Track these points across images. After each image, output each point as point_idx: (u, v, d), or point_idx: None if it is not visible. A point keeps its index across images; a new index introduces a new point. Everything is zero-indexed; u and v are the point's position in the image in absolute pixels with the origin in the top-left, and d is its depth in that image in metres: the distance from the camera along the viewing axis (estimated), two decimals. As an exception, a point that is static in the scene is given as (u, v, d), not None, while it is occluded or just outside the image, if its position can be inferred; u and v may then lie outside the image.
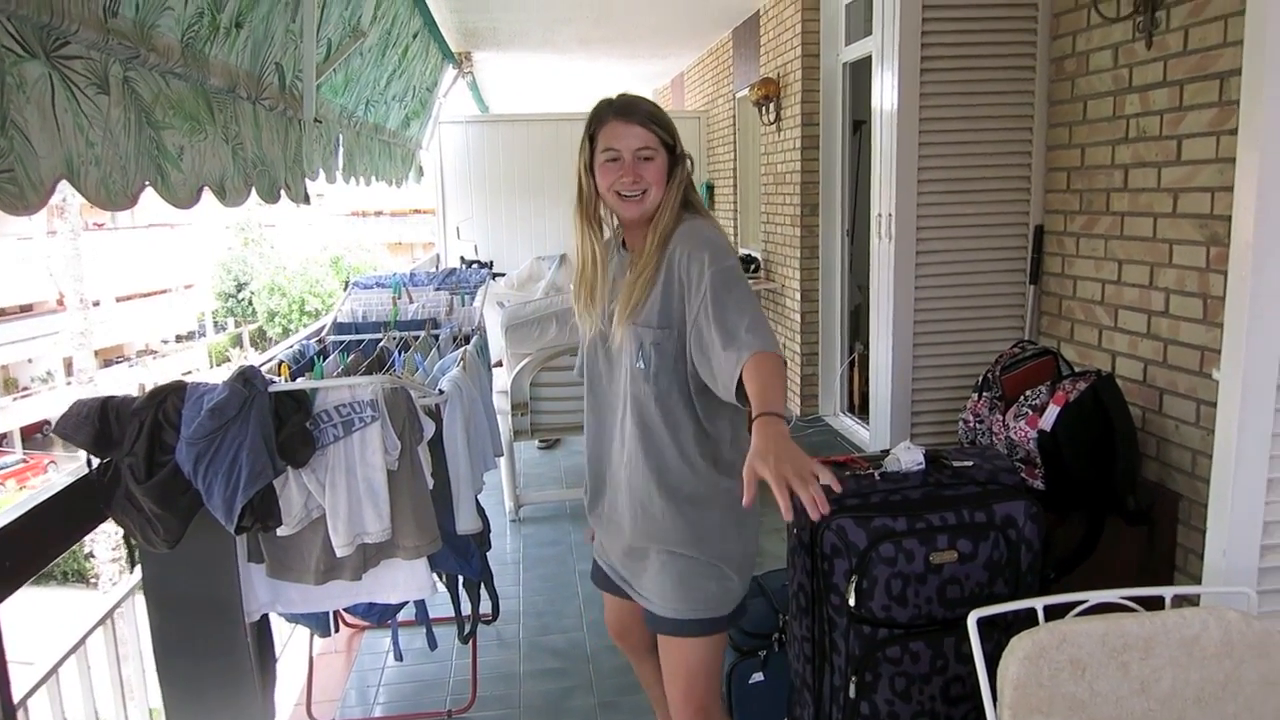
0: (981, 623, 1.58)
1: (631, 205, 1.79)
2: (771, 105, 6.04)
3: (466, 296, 3.85)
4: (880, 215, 4.13)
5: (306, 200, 2.99)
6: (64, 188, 1.56)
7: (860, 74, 5.13)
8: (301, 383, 2.17)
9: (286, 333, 22.46)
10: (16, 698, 1.67)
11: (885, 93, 4.02)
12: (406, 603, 2.40)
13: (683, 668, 1.87)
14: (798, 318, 5.91)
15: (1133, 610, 1.59)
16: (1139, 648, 1.53)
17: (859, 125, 5.40)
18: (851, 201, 5.52)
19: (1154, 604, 1.60)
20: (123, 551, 13.99)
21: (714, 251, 1.73)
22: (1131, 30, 3.08)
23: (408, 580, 2.23)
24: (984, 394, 3.20)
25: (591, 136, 1.81)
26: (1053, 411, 2.83)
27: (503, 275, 7.11)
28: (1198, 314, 2.87)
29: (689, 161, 1.85)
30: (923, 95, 3.88)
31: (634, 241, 1.87)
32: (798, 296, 5.89)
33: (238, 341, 27.30)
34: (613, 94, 1.85)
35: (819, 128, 5.59)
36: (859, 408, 5.54)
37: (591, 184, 1.82)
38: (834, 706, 2.19)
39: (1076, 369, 3.16)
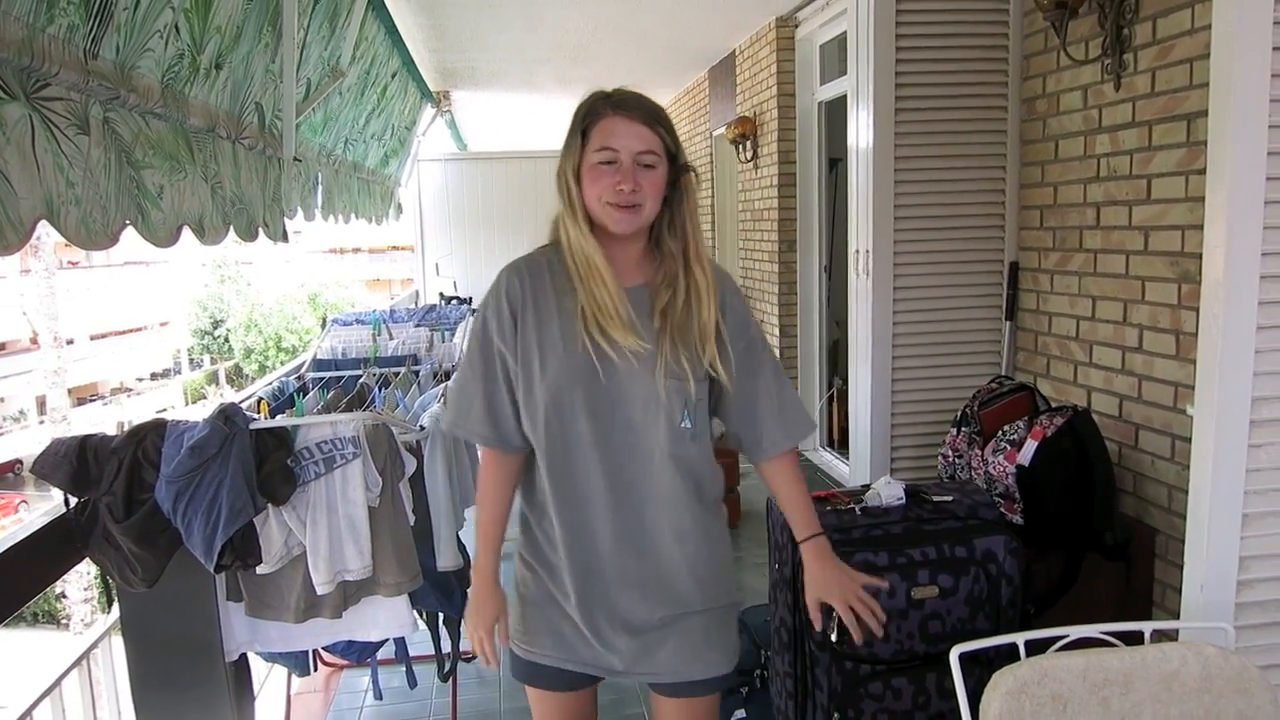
0: (963, 658, 1.59)
1: (624, 216, 1.49)
2: (748, 143, 6.12)
3: (446, 333, 3.86)
4: (857, 251, 4.17)
5: (285, 238, 2.99)
6: (41, 226, 1.56)
7: (836, 112, 5.22)
8: (283, 420, 2.17)
9: (263, 370, 22.31)
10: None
11: (861, 131, 4.09)
12: (386, 640, 2.38)
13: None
14: (776, 353, 5.94)
15: (1113, 645, 1.60)
16: (1119, 683, 1.53)
17: (835, 163, 5.48)
18: (829, 238, 5.59)
19: (1133, 639, 1.61)
20: (95, 592, 13.74)
21: (748, 314, 1.62)
22: (1100, 72, 3.16)
23: (389, 617, 2.21)
24: (962, 429, 3.23)
25: (583, 133, 1.51)
26: (1030, 446, 2.86)
27: (482, 312, 7.11)
28: (1171, 350, 2.92)
29: (694, 176, 1.58)
30: (897, 134, 3.95)
31: (618, 265, 1.54)
32: (776, 332, 5.93)
33: (214, 379, 27.07)
34: (608, 86, 1.55)
35: (795, 165, 5.66)
36: (839, 442, 5.56)
37: (578, 191, 1.52)
38: (818, 743, 2.18)
39: (1053, 404, 3.20)
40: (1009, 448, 2.95)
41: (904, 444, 4.21)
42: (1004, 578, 2.15)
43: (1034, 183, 3.70)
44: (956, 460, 3.23)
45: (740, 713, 2.52)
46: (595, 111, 1.51)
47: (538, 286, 1.55)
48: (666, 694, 1.63)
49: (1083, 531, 2.86)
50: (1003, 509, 2.82)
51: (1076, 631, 1.61)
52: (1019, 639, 1.60)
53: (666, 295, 1.53)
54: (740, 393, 1.59)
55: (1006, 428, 3.02)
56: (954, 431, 3.27)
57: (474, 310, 5.56)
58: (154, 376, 27.16)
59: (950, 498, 2.28)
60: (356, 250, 30.48)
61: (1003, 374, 3.74)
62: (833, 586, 1.60)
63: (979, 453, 3.09)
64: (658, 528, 1.55)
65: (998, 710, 1.50)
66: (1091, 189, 3.29)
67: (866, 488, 2.34)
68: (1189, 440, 2.73)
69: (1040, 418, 2.96)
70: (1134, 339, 3.09)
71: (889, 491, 2.26)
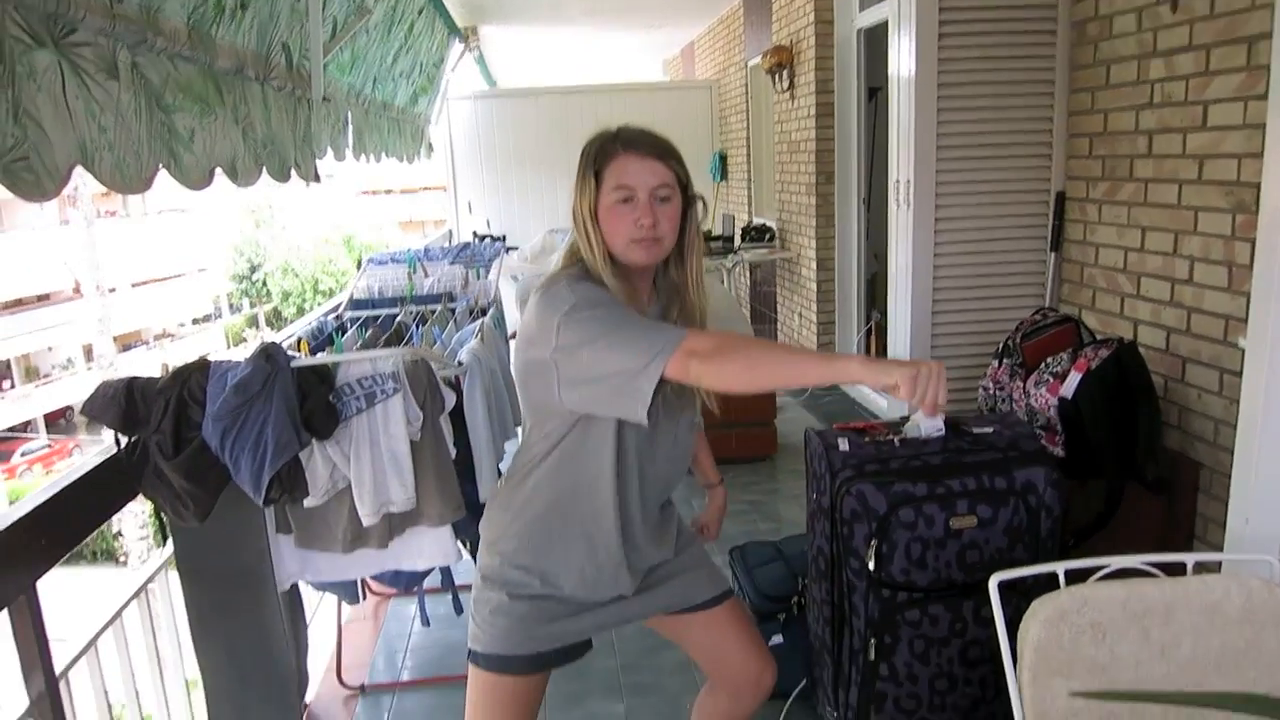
0: (1001, 586, 1.59)
1: (647, 249, 1.54)
2: (785, 73, 5.99)
3: (481, 270, 3.86)
4: (898, 182, 4.10)
5: (317, 179, 3.00)
6: (76, 176, 1.57)
7: (875, 40, 5.08)
8: (323, 357, 2.19)
9: (301, 312, 22.56)
10: (58, 670, 1.71)
11: (902, 59, 3.98)
12: (432, 570, 2.43)
13: (746, 620, 1.88)
14: (814, 286, 5.90)
15: (1154, 576, 1.59)
16: (1160, 613, 1.53)
17: (874, 92, 5.35)
18: (868, 169, 5.49)
19: (1175, 570, 1.60)
20: (150, 529, 14.19)
21: None
22: (1155, -8, 3.04)
23: (433, 547, 2.26)
24: (1004, 361, 3.19)
25: (596, 174, 1.54)
26: (1074, 379, 2.82)
27: (516, 249, 7.12)
28: (1222, 282, 2.85)
29: (702, 204, 1.64)
30: (941, 61, 3.84)
31: (642, 290, 1.63)
32: (814, 265, 5.87)
33: (253, 322, 27.46)
34: (611, 126, 1.59)
35: (833, 95, 5.54)
36: (876, 377, 5.52)
37: (595, 229, 1.55)
38: (853, 668, 2.22)
39: (1098, 337, 3.15)
40: (1052, 380, 2.91)
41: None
42: (1044, 509, 2.14)
43: (1083, 109, 3.60)
44: (997, 393, 3.20)
45: (777, 638, 2.56)
46: (606, 152, 1.55)
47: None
48: (705, 608, 1.81)
49: (1125, 465, 2.84)
50: (1044, 441, 2.80)
51: (1117, 561, 1.61)
52: (1059, 568, 1.60)
53: (674, 318, 1.65)
54: None
55: (1050, 360, 2.99)
56: (995, 364, 3.23)
57: (509, 248, 5.56)
58: (195, 322, 27.59)
59: (991, 429, 2.26)
60: (389, 191, 30.47)
61: (1047, 306, 3.68)
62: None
63: (1021, 385, 3.06)
64: (665, 502, 1.79)
65: (1036, 637, 1.50)
66: (1144, 115, 3.19)
67: (905, 419, 2.33)
68: (1238, 374, 2.69)
69: (1085, 350, 2.92)
70: (1184, 271, 3.02)
71: (929, 423, 2.24)
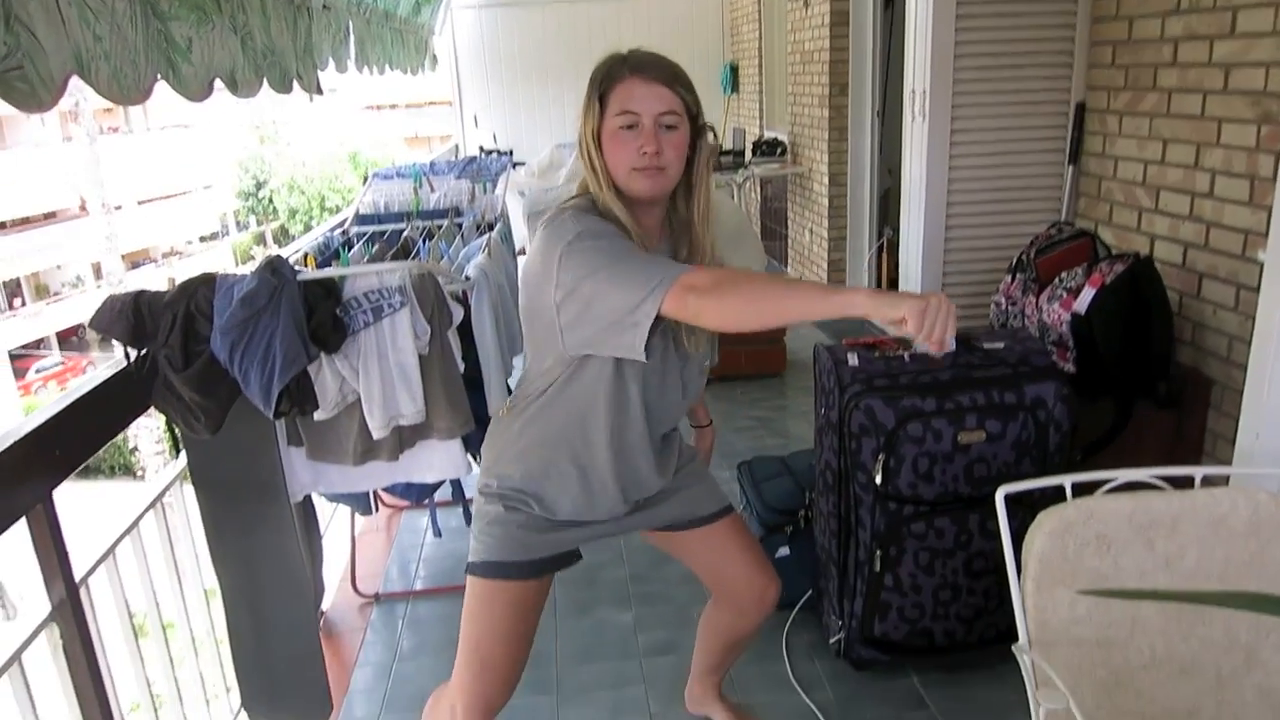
0: (1007, 500, 1.59)
1: (651, 180, 1.49)
2: (799, -20, 5.81)
3: (488, 184, 3.82)
4: (914, 93, 4.00)
5: (319, 91, 2.94)
6: (76, 91, 1.54)
7: (893, -56, 4.90)
8: (328, 271, 2.18)
9: (308, 229, 22.45)
10: (77, 577, 1.74)
11: (920, -37, 3.85)
12: (443, 482, 2.46)
13: (747, 535, 1.88)
14: (825, 202, 5.82)
15: (1161, 489, 1.59)
16: (1165, 525, 1.53)
17: (890, 0, 5.19)
18: (883, 80, 5.36)
19: (1183, 484, 1.60)
20: (166, 445, 14.40)
21: None
22: (1185, -111, 2.91)
23: (443, 460, 2.28)
24: (1017, 276, 3.16)
25: (601, 98, 1.49)
26: (1088, 294, 2.80)
27: (522, 164, 7.01)
28: (1243, 196, 2.79)
29: (712, 134, 1.57)
30: (960, -35, 3.71)
31: (645, 229, 1.57)
32: (825, 180, 5.78)
33: (261, 240, 27.34)
34: (622, 48, 1.53)
35: (849, 3, 5.38)
36: (887, 294, 5.49)
37: (598, 156, 1.51)
38: (858, 579, 2.25)
39: (1114, 252, 3.10)
40: (1065, 295, 2.88)
41: (955, 292, 4.14)
42: (1053, 424, 2.14)
43: (1107, 16, 3.48)
44: (1009, 308, 3.17)
45: (784, 550, 2.60)
46: (613, 75, 1.49)
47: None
48: (708, 523, 1.82)
49: (1136, 380, 2.83)
50: (1055, 357, 2.78)
51: (1125, 475, 1.60)
52: (1066, 480, 1.60)
53: (683, 256, 1.59)
54: None
55: (1064, 275, 2.96)
56: (1008, 279, 3.20)
57: (515, 163, 5.47)
58: (203, 239, 27.48)
59: (1001, 345, 2.25)
60: (394, 106, 29.97)
61: (1062, 220, 3.63)
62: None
63: (1033, 300, 3.03)
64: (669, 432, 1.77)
65: (1041, 549, 1.51)
66: (1170, 23, 3.09)
67: (915, 335, 2.31)
68: (1255, 290, 2.66)
69: (1100, 265, 2.88)
70: (1205, 184, 2.96)
71: (938, 339, 2.23)
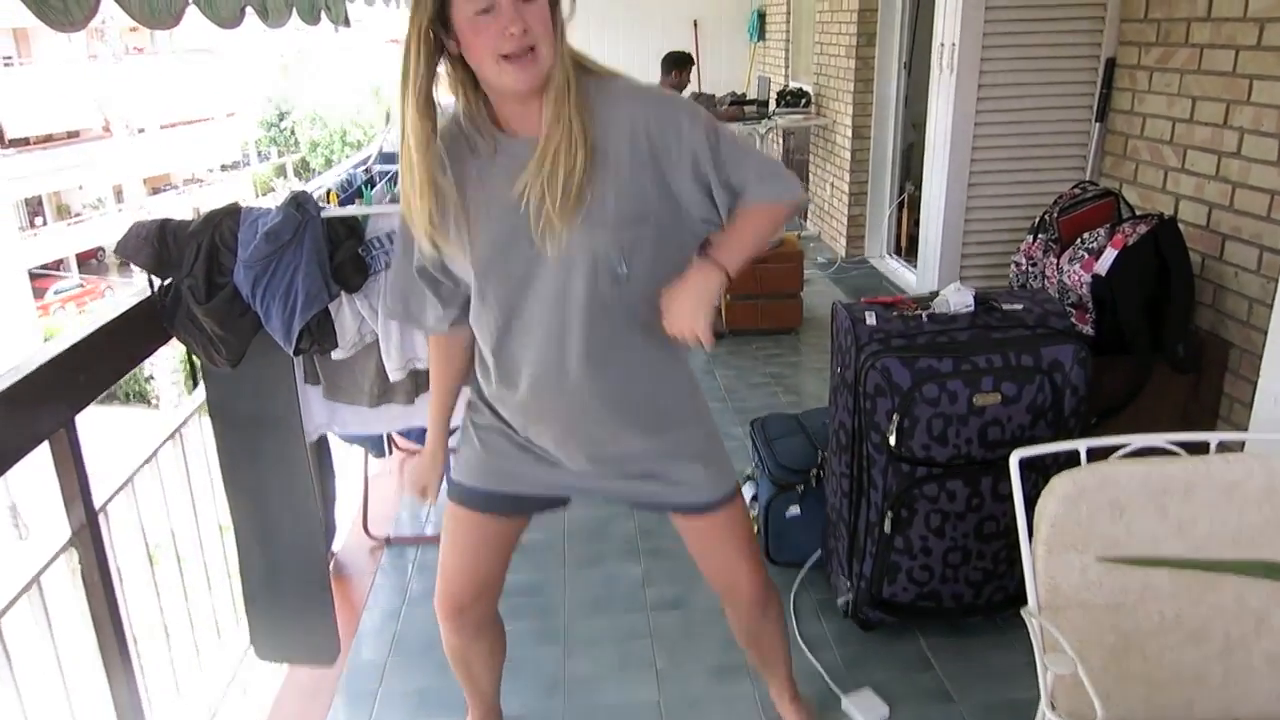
0: (1021, 464, 1.60)
1: (523, 69, 1.30)
2: (832, -76, 5.67)
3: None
4: (942, 45, 3.93)
5: (346, 23, 2.90)
6: (104, 9, 1.52)
7: (930, -111, 4.77)
8: (353, 209, 2.17)
9: (329, 164, 22.34)
10: (97, 504, 1.78)
11: (957, -90, 3.75)
12: (458, 429, 2.47)
13: (737, 535, 1.74)
14: (848, 155, 5.75)
15: (1176, 455, 1.59)
16: (1179, 490, 1.53)
17: (925, -53, 5.07)
18: (911, 31, 5.25)
19: (1198, 449, 1.60)
20: (182, 375, 14.54)
21: (688, 109, 1.40)
22: None
23: (459, 406, 2.29)
24: (1039, 236, 3.13)
25: None
26: (1110, 255, 2.77)
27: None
28: (1272, 155, 2.75)
29: (570, 2, 1.36)
30: (996, -86, 3.62)
31: (518, 121, 1.40)
32: (849, 133, 5.70)
33: (281, 172, 27.25)
34: None
35: (881, -50, 5.26)
36: (906, 250, 5.46)
37: (435, 53, 1.34)
38: (869, 539, 2.27)
39: (1138, 212, 3.07)
40: (1086, 256, 2.86)
41: (975, 251, 4.11)
42: (1069, 387, 2.13)
43: (1142, -32, 3.40)
44: (1030, 268, 3.15)
45: (794, 509, 2.62)
46: None
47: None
48: (695, 511, 1.69)
49: (1154, 343, 2.81)
50: (1074, 319, 2.77)
51: (1140, 440, 1.60)
52: (1080, 445, 1.60)
53: (553, 142, 1.34)
54: (703, 213, 1.46)
55: (1086, 235, 2.92)
56: (1029, 239, 3.17)
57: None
58: (224, 168, 27.42)
59: (1020, 306, 2.24)
60: (417, 40, 29.60)
61: (1087, 179, 3.57)
62: (673, 304, 1.44)
63: (1054, 261, 3.01)
64: (596, 381, 1.50)
65: (1053, 514, 1.51)
66: (1207, -25, 3.01)
67: (935, 294, 2.30)
68: (1279, 252, 2.63)
69: (1123, 225, 2.85)
70: (1233, 143, 2.91)
71: (958, 298, 2.22)
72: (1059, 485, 1.52)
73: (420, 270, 1.55)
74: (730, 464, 1.71)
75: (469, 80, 1.39)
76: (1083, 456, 1.59)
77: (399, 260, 1.60)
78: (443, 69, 1.38)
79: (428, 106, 1.35)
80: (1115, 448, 1.60)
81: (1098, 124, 3.70)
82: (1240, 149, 2.88)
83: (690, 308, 1.42)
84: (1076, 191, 3.17)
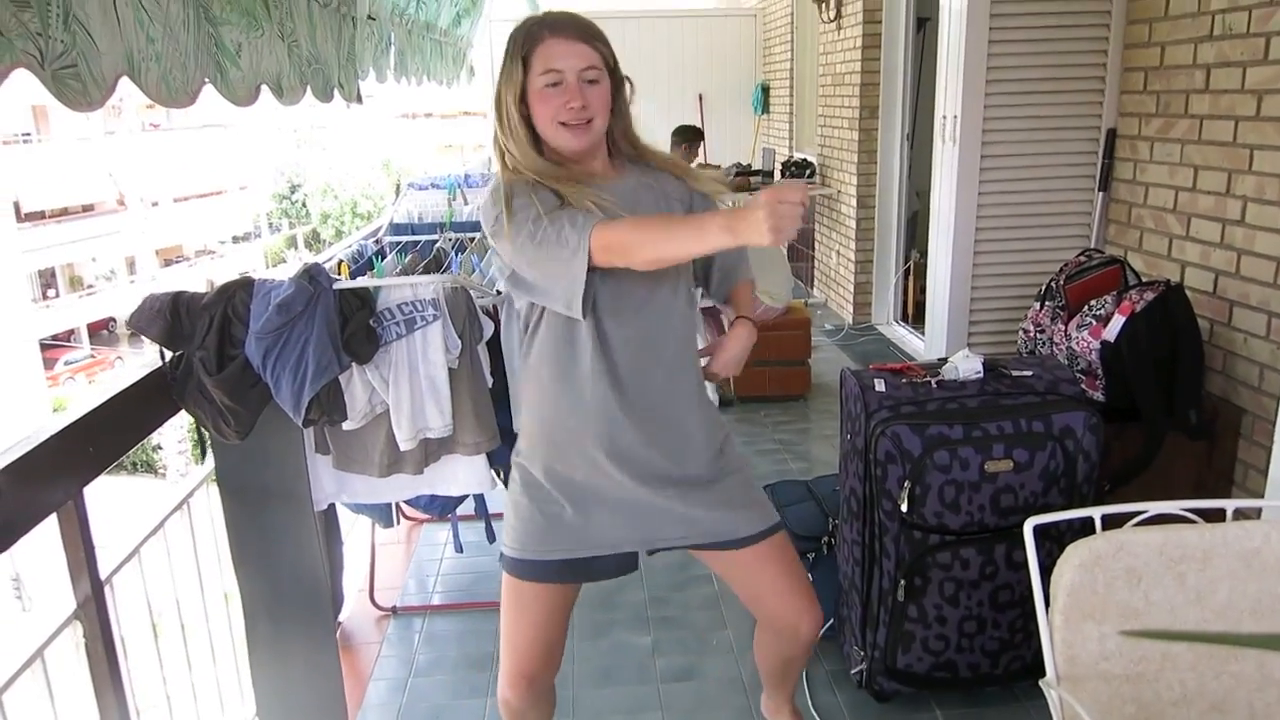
0: (1035, 531, 1.58)
1: (576, 135, 1.57)
2: (831, 2, 5.82)
3: (520, 198, 3.83)
4: (945, 118, 4.00)
5: (359, 100, 2.97)
6: (123, 87, 1.56)
7: (928, -32, 4.91)
8: (365, 280, 2.20)
9: (340, 235, 22.69)
10: (103, 576, 1.76)
11: (955, -13, 3.85)
12: (466, 497, 2.46)
13: (788, 562, 1.78)
14: (853, 224, 5.81)
15: (1192, 522, 1.57)
16: (1197, 559, 1.52)
17: (923, 23, 5.19)
18: (913, 103, 5.35)
19: (1214, 517, 1.58)
20: (189, 444, 14.54)
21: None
22: (1224, -82, 2.90)
23: (468, 475, 2.29)
24: (1046, 303, 3.14)
25: (524, 60, 1.56)
26: (1118, 322, 2.77)
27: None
28: (1275, 223, 2.77)
29: (629, 86, 1.65)
30: (995, -10, 3.72)
31: (596, 169, 1.66)
32: (853, 202, 5.77)
33: (293, 243, 27.63)
34: (537, 8, 1.67)
35: (881, 26, 5.38)
36: (913, 317, 5.48)
37: (521, 118, 1.59)
38: (881, 608, 2.23)
39: (1144, 279, 3.08)
40: (1095, 323, 2.86)
41: (983, 318, 4.12)
42: (1081, 454, 2.12)
43: (1139, 42, 3.47)
44: (1038, 335, 3.15)
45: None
46: (533, 37, 1.56)
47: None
48: (738, 546, 1.73)
49: (1166, 409, 2.80)
50: (1084, 385, 2.76)
51: (1155, 507, 1.59)
52: (1095, 513, 1.58)
53: (650, 174, 1.70)
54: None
55: (1093, 302, 2.93)
56: (1037, 306, 3.18)
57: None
58: (235, 240, 27.81)
59: (1030, 373, 2.24)
60: (429, 115, 30.27)
61: (1092, 247, 3.60)
62: (724, 352, 1.82)
63: (1062, 328, 3.01)
64: (680, 389, 1.72)
65: (1070, 582, 1.50)
66: (1203, 49, 3.08)
67: (944, 361, 2.30)
68: (1289, 318, 2.64)
69: (1130, 292, 2.86)
70: (1236, 211, 2.94)
71: (967, 365, 2.22)
72: (1075, 554, 1.51)
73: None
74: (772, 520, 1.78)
75: (532, 138, 1.61)
76: (1098, 524, 1.57)
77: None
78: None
79: (533, 143, 1.60)
80: (1130, 515, 1.58)
81: (1101, 192, 3.75)
82: (1244, 217, 2.90)
83: (739, 357, 1.81)
84: (1082, 259, 3.19)
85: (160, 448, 16.03)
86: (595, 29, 1.58)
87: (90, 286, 23.83)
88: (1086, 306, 2.95)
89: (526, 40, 1.56)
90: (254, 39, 2.06)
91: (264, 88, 2.06)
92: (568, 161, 1.62)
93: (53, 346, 21.11)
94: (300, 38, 2.40)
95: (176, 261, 25.21)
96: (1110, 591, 1.50)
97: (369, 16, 3.00)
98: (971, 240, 4.01)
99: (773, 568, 1.77)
